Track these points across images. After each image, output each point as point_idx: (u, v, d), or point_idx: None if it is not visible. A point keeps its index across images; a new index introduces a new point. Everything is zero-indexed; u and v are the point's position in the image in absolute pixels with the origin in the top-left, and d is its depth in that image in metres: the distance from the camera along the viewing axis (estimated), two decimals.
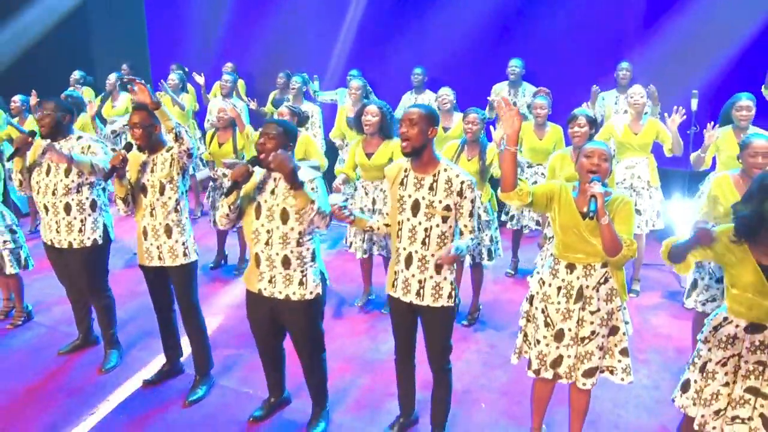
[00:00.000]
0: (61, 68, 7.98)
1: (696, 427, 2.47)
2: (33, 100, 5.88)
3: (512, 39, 6.41)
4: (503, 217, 5.14)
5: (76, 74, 7.12)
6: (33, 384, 3.80)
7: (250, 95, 6.81)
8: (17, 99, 6.06)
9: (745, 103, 4.04)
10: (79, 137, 3.65)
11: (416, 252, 2.74)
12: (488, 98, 5.52)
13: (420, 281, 2.77)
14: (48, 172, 3.60)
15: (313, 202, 2.74)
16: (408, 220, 2.74)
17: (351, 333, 4.35)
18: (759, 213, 2.23)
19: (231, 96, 6.10)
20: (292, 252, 2.89)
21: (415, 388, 3.18)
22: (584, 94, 5.40)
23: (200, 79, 6.68)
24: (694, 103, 4.77)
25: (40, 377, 3.86)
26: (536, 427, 3.02)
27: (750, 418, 2.37)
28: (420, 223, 2.71)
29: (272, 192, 2.89)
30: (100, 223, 3.74)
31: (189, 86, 6.90)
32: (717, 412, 2.42)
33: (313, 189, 2.82)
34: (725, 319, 2.43)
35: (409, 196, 2.74)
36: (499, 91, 5.92)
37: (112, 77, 6.72)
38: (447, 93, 5.03)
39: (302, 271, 2.93)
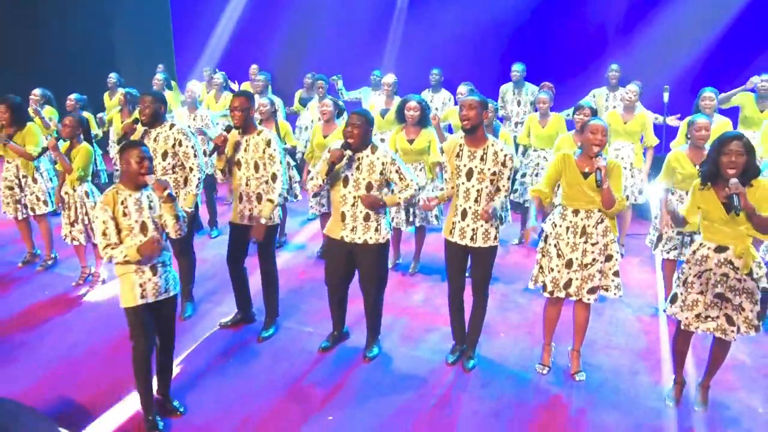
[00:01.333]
0: (91, 70, 8.74)
1: (683, 327, 3.34)
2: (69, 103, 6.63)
3: (514, 43, 7.41)
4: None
5: (113, 77, 7.78)
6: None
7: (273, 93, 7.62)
8: (72, 98, 6.75)
9: (708, 94, 4.97)
10: (172, 125, 4.37)
11: (470, 207, 3.59)
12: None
13: (473, 229, 3.62)
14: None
15: (398, 203, 3.76)
16: (463, 183, 3.58)
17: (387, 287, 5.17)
18: (712, 165, 3.13)
19: (266, 92, 6.87)
20: (375, 205, 3.72)
21: (465, 320, 3.98)
22: (575, 89, 6.31)
23: (235, 86, 7.50)
24: (665, 96, 5.71)
25: None
26: (548, 343, 3.88)
27: (718, 317, 3.24)
28: (473, 186, 3.56)
29: (357, 168, 3.71)
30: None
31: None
32: (697, 316, 3.27)
33: (398, 171, 3.70)
34: (701, 244, 3.29)
35: (465, 165, 3.57)
36: (506, 91, 6.80)
37: (160, 77, 7.46)
38: (463, 91, 5.88)
39: (377, 221, 3.76)
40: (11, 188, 5.47)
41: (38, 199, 5.49)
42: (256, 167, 4.06)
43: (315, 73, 7.45)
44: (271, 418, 3.49)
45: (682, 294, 3.32)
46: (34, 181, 5.48)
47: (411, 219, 5.17)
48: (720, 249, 3.20)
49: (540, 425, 3.42)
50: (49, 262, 5.67)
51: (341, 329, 4.23)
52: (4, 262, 5.81)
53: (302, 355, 4.14)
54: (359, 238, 3.78)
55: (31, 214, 5.55)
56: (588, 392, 3.69)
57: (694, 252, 3.29)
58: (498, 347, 4.21)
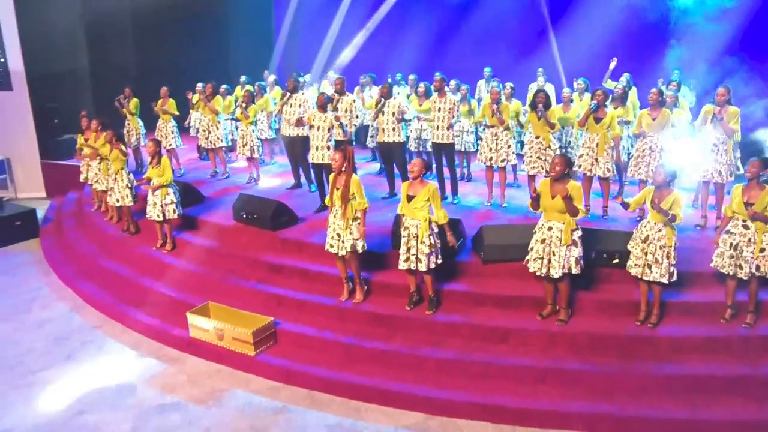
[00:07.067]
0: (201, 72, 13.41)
1: (528, 173, 7.92)
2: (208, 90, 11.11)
3: (482, 54, 12.16)
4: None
5: (243, 78, 12.31)
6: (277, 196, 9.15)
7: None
8: (199, 86, 11.00)
9: (579, 81, 9.55)
10: (303, 93, 9.04)
11: (439, 126, 8.18)
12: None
13: (442, 134, 8.26)
14: (291, 106, 8.93)
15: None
16: (435, 114, 8.16)
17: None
18: (533, 103, 7.70)
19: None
20: (397, 123, 8.26)
21: (444, 181, 8.59)
22: (519, 81, 10.84)
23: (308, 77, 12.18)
24: (572, 85, 10.26)
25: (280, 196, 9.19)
26: (489, 191, 8.41)
27: (537, 164, 7.80)
28: (441, 114, 8.11)
29: (387, 106, 8.24)
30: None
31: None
32: (533, 167, 7.82)
33: (400, 104, 8.25)
34: (528, 133, 7.88)
35: (437, 105, 8.16)
36: (481, 84, 11.36)
37: (271, 78, 12.07)
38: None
39: (400, 129, 8.30)
40: (205, 131, 10.18)
41: (218, 138, 10.09)
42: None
43: (365, 74, 12.05)
44: None
45: (525, 164, 7.92)
46: (216, 128, 10.09)
47: (416, 146, 9.77)
48: (537, 136, 7.74)
49: (479, 216, 7.94)
50: (225, 176, 10.32)
51: (393, 189, 8.81)
52: (198, 177, 10.48)
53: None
54: (391, 140, 8.35)
55: (215, 146, 10.18)
56: (507, 208, 8.24)
57: (528, 140, 7.89)
58: (467, 200, 8.78)
